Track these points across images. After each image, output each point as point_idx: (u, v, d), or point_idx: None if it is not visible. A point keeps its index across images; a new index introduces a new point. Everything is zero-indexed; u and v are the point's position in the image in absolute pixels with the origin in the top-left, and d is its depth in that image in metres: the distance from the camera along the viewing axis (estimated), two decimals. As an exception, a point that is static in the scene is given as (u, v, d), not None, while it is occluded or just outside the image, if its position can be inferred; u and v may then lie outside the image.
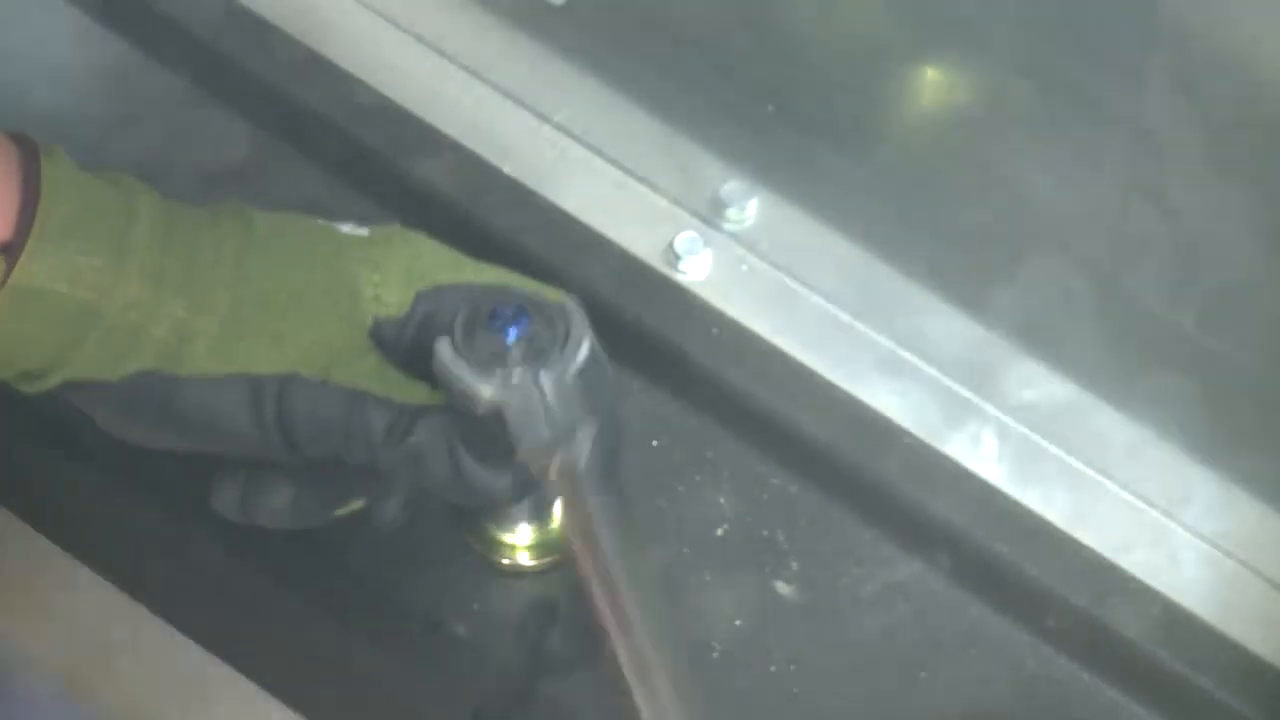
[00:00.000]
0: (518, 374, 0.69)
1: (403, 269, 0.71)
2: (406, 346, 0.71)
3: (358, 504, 0.74)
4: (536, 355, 0.69)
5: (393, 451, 0.70)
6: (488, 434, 0.70)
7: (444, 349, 0.69)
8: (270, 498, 0.73)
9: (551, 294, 0.72)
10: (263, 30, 0.87)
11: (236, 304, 0.69)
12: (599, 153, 0.86)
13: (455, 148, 0.85)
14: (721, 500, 0.81)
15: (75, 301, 0.67)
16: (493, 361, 0.69)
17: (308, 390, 0.69)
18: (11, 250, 0.66)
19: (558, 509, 0.80)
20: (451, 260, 0.73)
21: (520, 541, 0.80)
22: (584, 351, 0.70)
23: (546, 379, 0.69)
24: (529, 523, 0.79)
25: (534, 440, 0.69)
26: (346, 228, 0.73)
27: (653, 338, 0.82)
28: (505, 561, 0.80)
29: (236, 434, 0.70)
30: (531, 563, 0.80)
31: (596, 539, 0.70)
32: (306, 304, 0.70)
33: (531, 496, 0.77)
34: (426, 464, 0.70)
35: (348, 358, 0.70)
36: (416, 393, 0.70)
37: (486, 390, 0.69)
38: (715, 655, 0.79)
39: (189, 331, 0.68)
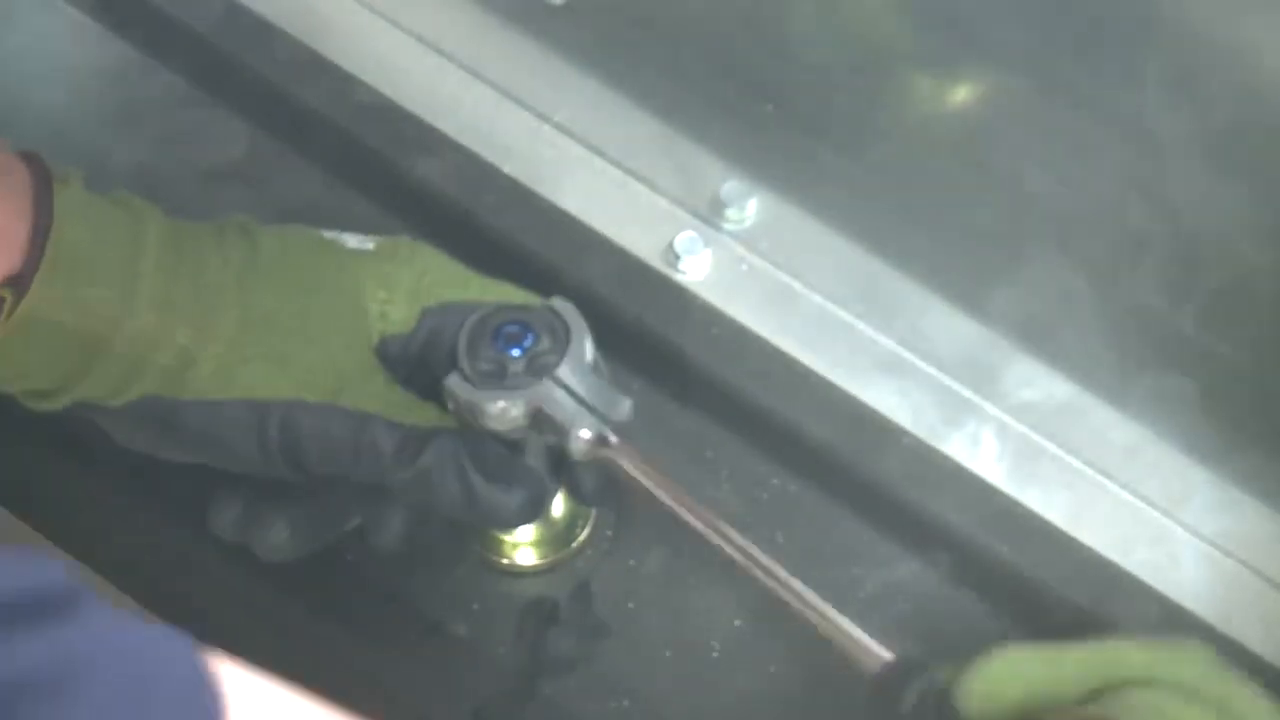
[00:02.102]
0: (536, 382, 0.69)
1: (409, 286, 0.71)
2: (412, 362, 0.71)
3: (354, 522, 0.74)
4: (541, 368, 0.69)
5: (402, 473, 0.70)
6: (498, 454, 0.70)
7: (457, 383, 0.69)
8: (267, 534, 0.73)
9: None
10: (262, 30, 0.87)
11: (241, 328, 0.69)
12: (599, 153, 0.86)
13: (455, 148, 0.85)
14: (721, 500, 0.81)
15: (82, 332, 0.67)
16: (498, 378, 0.69)
17: (314, 414, 0.69)
18: (21, 282, 0.66)
19: (557, 508, 0.80)
20: (458, 276, 0.73)
21: (521, 541, 0.80)
22: (589, 340, 0.70)
23: (567, 374, 0.69)
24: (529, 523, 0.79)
25: (585, 434, 0.69)
26: (353, 241, 0.72)
27: (652, 337, 0.82)
28: (505, 561, 0.80)
29: (239, 454, 0.70)
30: (531, 563, 0.80)
31: (679, 487, 0.70)
32: (311, 326, 0.70)
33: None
34: (437, 485, 0.70)
35: (355, 379, 0.70)
36: (425, 414, 0.70)
37: (515, 408, 0.69)
38: (715, 655, 0.79)
39: (193, 357, 0.68)
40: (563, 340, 0.70)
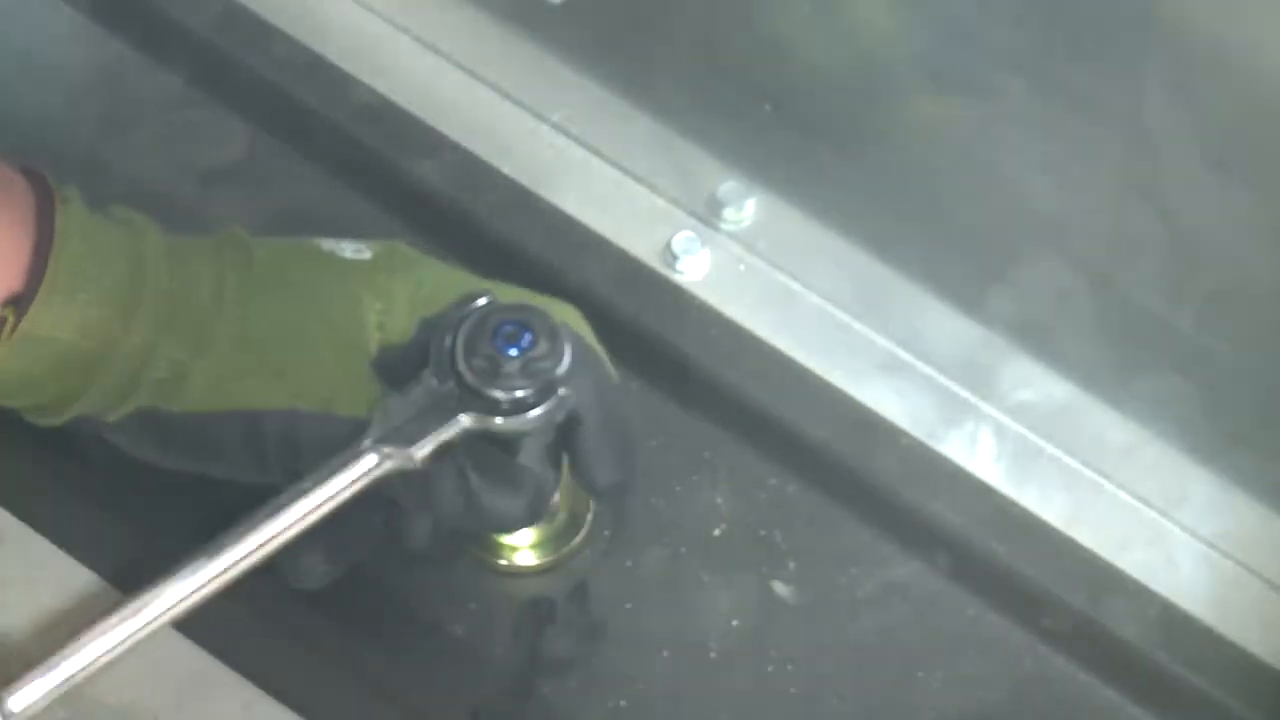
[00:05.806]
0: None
1: (407, 296, 0.71)
2: (412, 371, 0.71)
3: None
4: (537, 370, 0.69)
5: (403, 481, 0.70)
6: (498, 458, 0.70)
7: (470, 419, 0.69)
8: (301, 563, 0.73)
9: (557, 309, 0.72)
10: (262, 30, 0.87)
11: (236, 343, 0.69)
12: (597, 153, 0.86)
13: (454, 148, 0.85)
14: (719, 500, 0.82)
15: (81, 350, 0.67)
16: (495, 376, 0.69)
17: (311, 423, 0.69)
18: (22, 301, 0.66)
19: (555, 509, 0.80)
20: (456, 283, 0.73)
21: (518, 542, 0.80)
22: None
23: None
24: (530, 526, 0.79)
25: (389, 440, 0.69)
26: (350, 250, 0.72)
27: (650, 338, 0.82)
28: (503, 562, 0.80)
29: (237, 465, 0.70)
30: (530, 563, 0.80)
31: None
32: (307, 338, 0.70)
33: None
34: (437, 492, 0.70)
35: (351, 389, 0.70)
36: None
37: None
38: (712, 655, 0.79)
39: (186, 370, 0.69)
40: (560, 346, 0.69)
